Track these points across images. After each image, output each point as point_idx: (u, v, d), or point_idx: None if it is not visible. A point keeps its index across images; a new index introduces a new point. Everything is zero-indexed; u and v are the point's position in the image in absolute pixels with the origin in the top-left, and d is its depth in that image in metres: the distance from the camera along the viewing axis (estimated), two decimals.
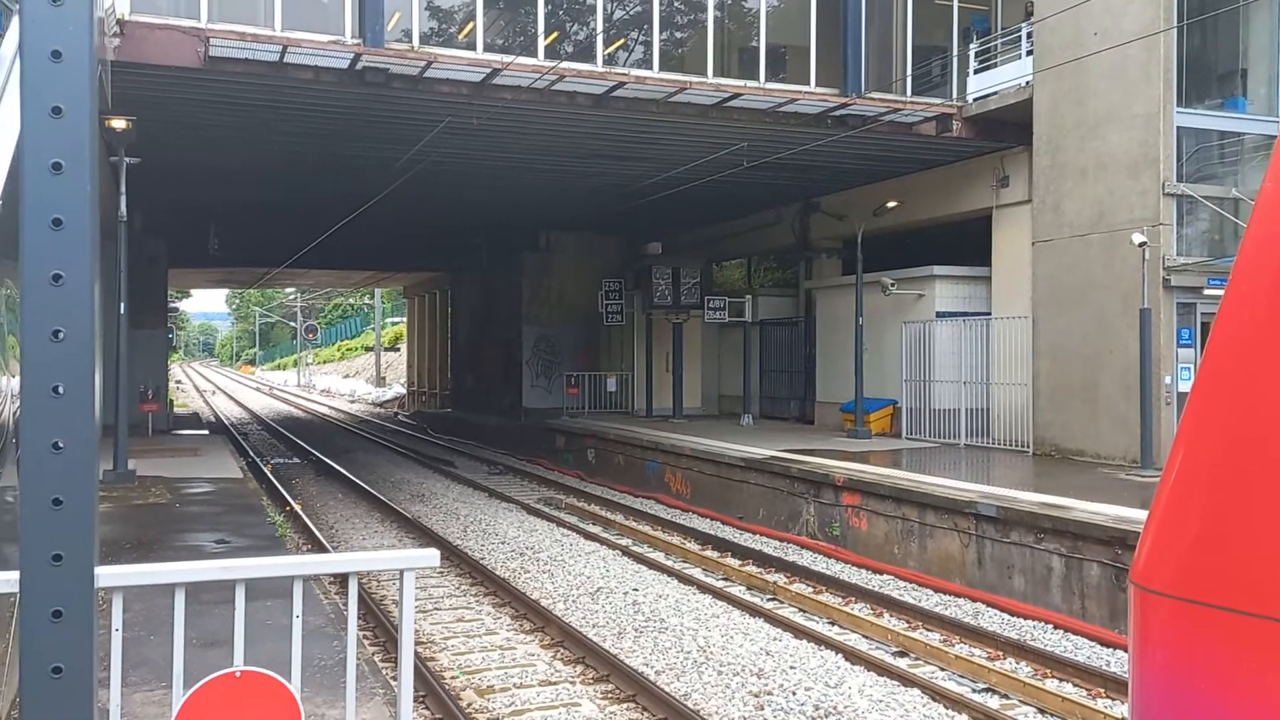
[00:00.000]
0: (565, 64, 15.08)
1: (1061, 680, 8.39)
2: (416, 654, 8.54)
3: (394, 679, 6.23)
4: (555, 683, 8.37)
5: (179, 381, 70.33)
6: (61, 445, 2.06)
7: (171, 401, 32.26)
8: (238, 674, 2.64)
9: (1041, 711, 7.83)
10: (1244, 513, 1.47)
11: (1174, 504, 1.58)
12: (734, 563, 12.98)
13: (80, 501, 2.09)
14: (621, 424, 23.51)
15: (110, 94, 13.17)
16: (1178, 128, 14.98)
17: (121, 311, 14.62)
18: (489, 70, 14.48)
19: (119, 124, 13.58)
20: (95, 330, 2.17)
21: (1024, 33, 17.21)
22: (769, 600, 11.23)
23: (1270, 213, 1.53)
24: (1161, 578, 1.57)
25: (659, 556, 13.47)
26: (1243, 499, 1.48)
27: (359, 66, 13.95)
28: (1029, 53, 16.98)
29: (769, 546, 14.10)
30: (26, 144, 2.06)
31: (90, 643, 2.11)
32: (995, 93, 17.36)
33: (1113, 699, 7.85)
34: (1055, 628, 10.07)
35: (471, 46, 15.02)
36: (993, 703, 7.93)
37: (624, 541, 14.49)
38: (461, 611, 10.69)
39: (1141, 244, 14.02)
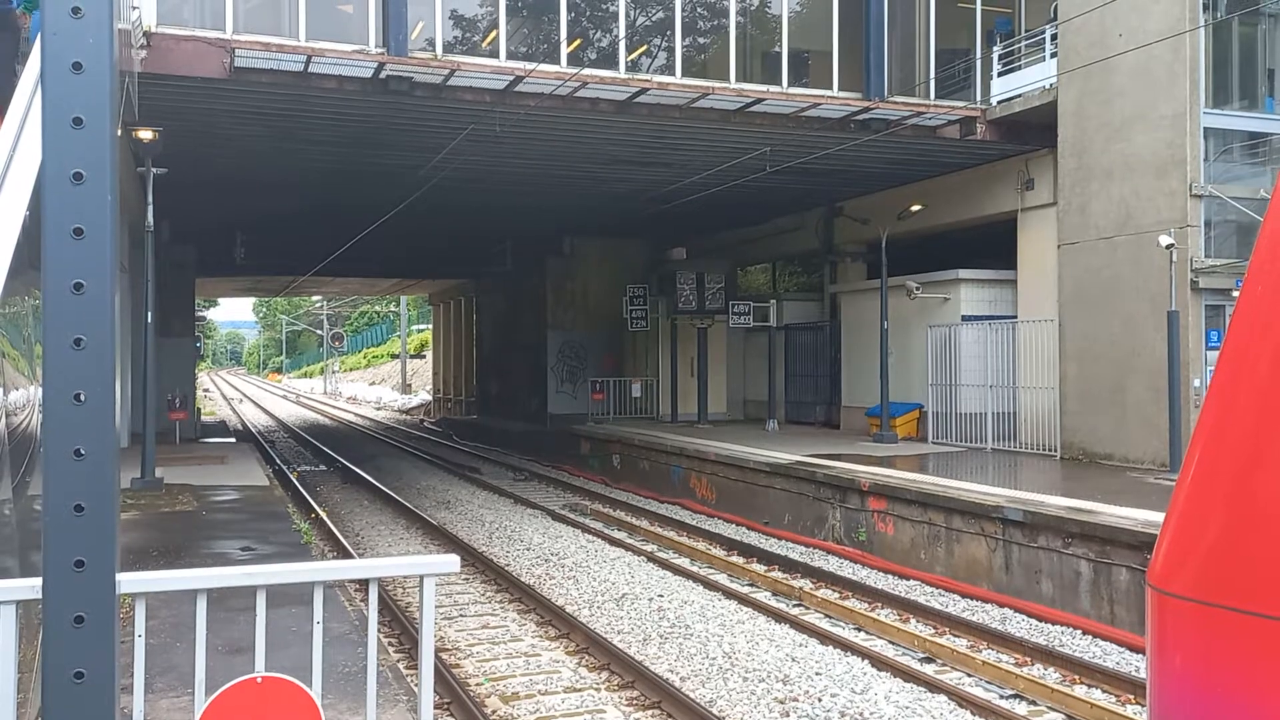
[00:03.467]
0: (588, 71, 15.13)
1: (1090, 686, 8.29)
2: (441, 660, 8.57)
3: (417, 685, 6.23)
4: (580, 689, 8.36)
5: (206, 390, 71.10)
6: (83, 452, 2.08)
7: (199, 410, 32.60)
8: (259, 680, 2.66)
9: (1070, 718, 7.74)
10: (1264, 514, 1.44)
11: (1191, 506, 1.56)
12: (759, 568, 12.93)
13: (102, 508, 2.11)
14: (646, 429, 23.50)
15: (137, 105, 13.35)
16: (1205, 128, 14.82)
17: (149, 320, 14.78)
18: (512, 78, 14.54)
19: (146, 134, 13.75)
20: (116, 338, 2.19)
21: (1048, 34, 17.08)
22: (795, 606, 11.17)
23: None
24: (1180, 581, 1.54)
25: (684, 562, 13.44)
26: (1263, 500, 1.45)
27: (383, 75, 14.06)
28: (1053, 55, 16.86)
29: (794, 552, 14.04)
30: (48, 154, 2.09)
31: (112, 648, 2.13)
32: (1019, 95, 17.23)
33: (1142, 705, 7.74)
34: (1084, 633, 9.95)
35: (494, 55, 15.10)
36: (1020, 709, 7.85)
37: (649, 547, 14.48)
38: (486, 618, 10.71)
39: (1169, 246, 13.86)
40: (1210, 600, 1.48)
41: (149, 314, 14.73)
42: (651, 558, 13.61)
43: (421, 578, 2.85)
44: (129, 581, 2.53)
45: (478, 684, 8.51)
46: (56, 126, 2.07)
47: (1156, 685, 1.60)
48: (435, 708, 7.57)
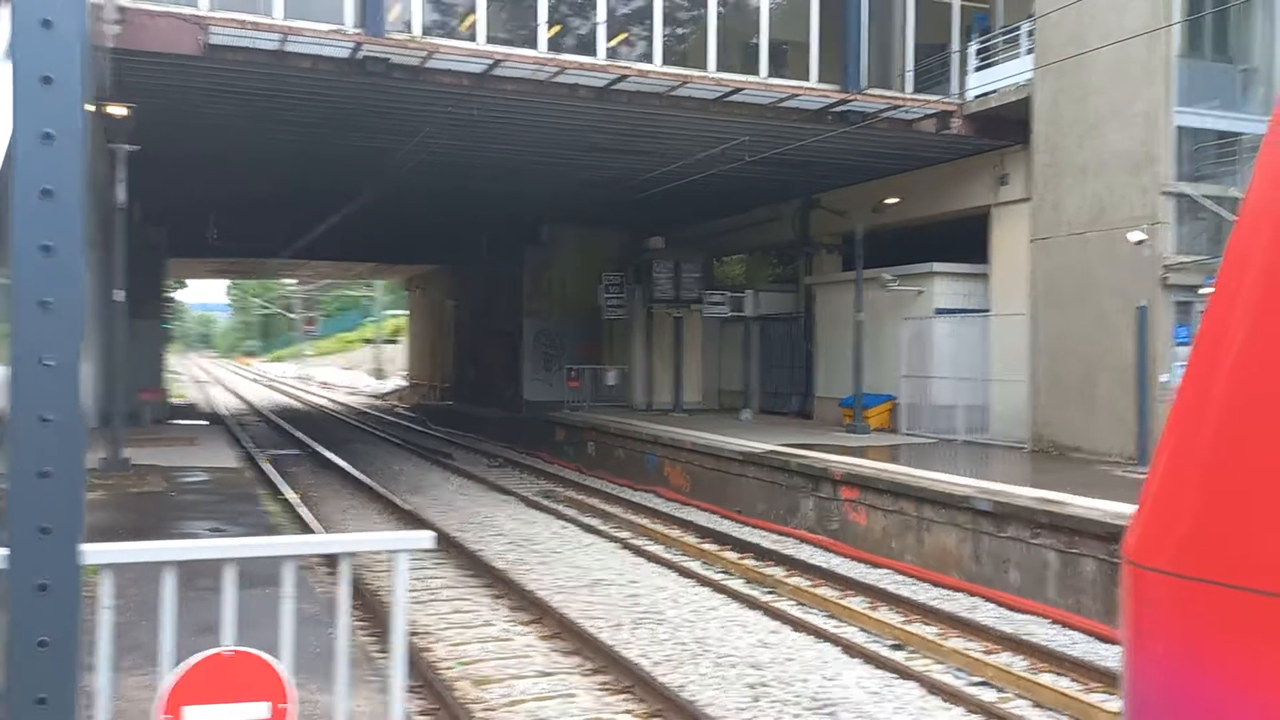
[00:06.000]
0: (567, 56, 15.06)
1: (1058, 674, 8.39)
2: (412, 644, 8.53)
3: (388, 666, 6.20)
4: (552, 674, 8.36)
5: (177, 372, 70.32)
6: (50, 418, 2.05)
7: (169, 392, 32.25)
8: (228, 653, 2.63)
9: (1037, 705, 7.82)
10: (1242, 487, 1.46)
11: (1172, 476, 1.57)
12: (732, 556, 12.98)
13: (68, 475, 2.08)
14: (621, 417, 23.50)
15: (109, 81, 13.14)
16: (1177, 126, 14.97)
17: (120, 300, 14.58)
18: (490, 62, 14.45)
19: (118, 111, 13.55)
20: (85, 302, 2.15)
21: (1024, 30, 17.18)
22: (767, 593, 11.23)
23: (1265, 183, 1.56)
24: (1159, 554, 1.55)
25: (658, 549, 13.47)
26: (1241, 472, 1.47)
27: (359, 56, 13.92)
28: (1029, 51, 16.95)
29: (767, 540, 14.10)
30: (17, 114, 2.05)
31: (76, 616, 2.10)
32: (995, 90, 17.33)
33: (1108, 693, 7.84)
34: (1051, 622, 10.07)
35: (473, 38, 14.98)
36: (988, 696, 7.93)
37: (623, 534, 14.49)
38: (458, 603, 10.68)
39: (1140, 242, 14.01)
40: (1192, 574, 1.49)
41: (120, 293, 14.53)
42: (625, 544, 13.63)
43: (395, 553, 2.84)
44: (95, 552, 2.49)
45: (449, 667, 8.49)
46: (25, 85, 2.02)
47: (1132, 658, 1.61)
48: (406, 691, 7.56)
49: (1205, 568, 1.47)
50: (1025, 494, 11.84)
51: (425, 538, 2.86)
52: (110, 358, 15.00)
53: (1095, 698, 7.76)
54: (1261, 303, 1.50)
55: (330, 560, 9.41)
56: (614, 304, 27.12)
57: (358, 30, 14.04)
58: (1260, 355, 1.47)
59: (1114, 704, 7.60)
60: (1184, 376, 1.62)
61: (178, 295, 71.78)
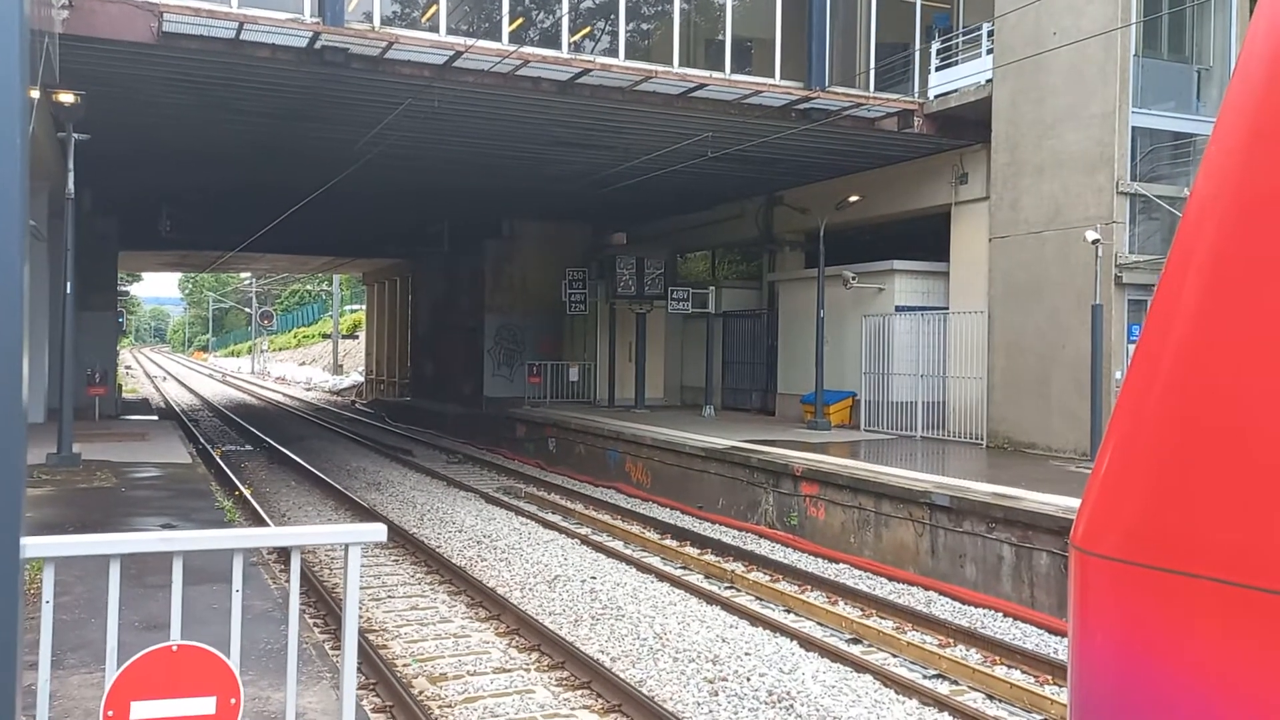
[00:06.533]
0: (529, 49, 14.96)
1: (1010, 667, 8.50)
2: (367, 641, 8.45)
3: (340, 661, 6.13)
4: (510, 670, 8.32)
5: (129, 367, 69.11)
6: None
7: (120, 387, 31.68)
8: (174, 648, 2.58)
9: (990, 697, 7.92)
10: (1186, 474, 1.47)
11: (1118, 464, 1.58)
12: (693, 551, 13.00)
13: (7, 464, 2.01)
14: (583, 413, 23.45)
15: (58, 68, 12.84)
16: (1133, 127, 15.22)
17: (68, 292, 14.27)
18: (451, 53, 14.32)
19: (67, 98, 13.23)
20: (24, 291, 2.08)
21: (985, 31, 17.37)
22: (726, 588, 11.26)
23: (1208, 183, 1.60)
24: (1105, 541, 1.57)
25: (618, 545, 13.45)
26: (1184, 460, 1.48)
27: (318, 45, 13.73)
28: (990, 51, 17.15)
29: (728, 535, 14.14)
30: None
31: (15, 611, 2.03)
32: (956, 90, 17.51)
33: (1060, 685, 7.96)
34: (1005, 615, 10.20)
35: (434, 29, 14.84)
36: (942, 688, 8.01)
37: (583, 530, 14.46)
38: (416, 599, 10.60)
39: (1095, 241, 14.22)
40: (1137, 560, 1.51)
41: (68, 284, 14.22)
42: (585, 540, 13.60)
43: (347, 546, 2.79)
44: (36, 545, 2.43)
45: (405, 665, 8.41)
46: None
47: (1078, 643, 1.63)
48: (360, 688, 7.47)
49: (1150, 554, 1.49)
50: (981, 489, 11.98)
51: (377, 531, 2.82)
52: (59, 351, 14.67)
53: (1049, 690, 7.87)
54: (1203, 297, 1.54)
55: (285, 556, 9.29)
56: (577, 300, 27.06)
57: (316, 19, 13.84)
58: (1202, 348, 1.51)
59: (1066, 696, 7.71)
60: (1129, 368, 1.64)
61: (131, 289, 70.52)
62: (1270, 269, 1.47)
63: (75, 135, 14.09)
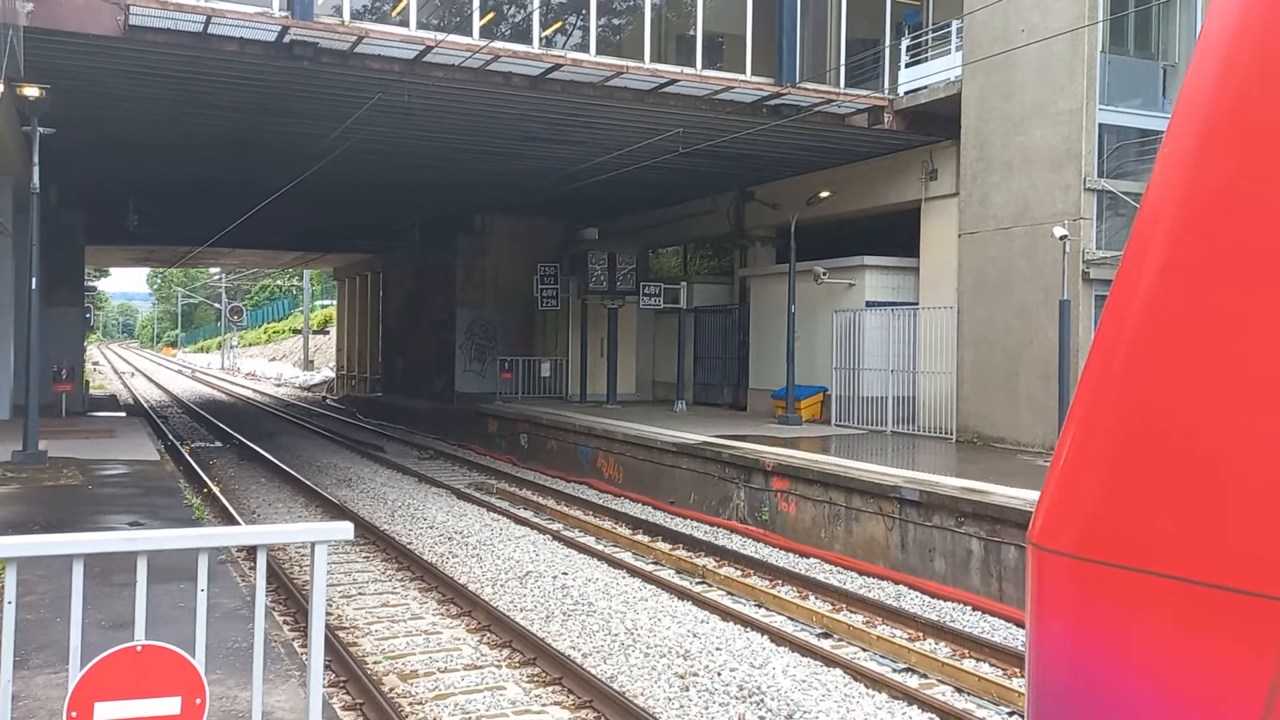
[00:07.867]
0: (500, 43, 14.91)
1: (979, 660, 8.60)
2: (337, 638, 8.41)
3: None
4: (481, 666, 8.31)
5: (96, 363, 68.23)
6: None
7: (88, 383, 31.29)
8: (139, 648, 2.56)
9: (959, 690, 8.01)
10: (1147, 469, 1.50)
11: (1075, 460, 1.61)
12: (664, 547, 13.04)
13: None
14: (555, 409, 23.43)
15: (23, 61, 12.65)
16: (1100, 124, 15.39)
17: (33, 287, 14.08)
18: (422, 47, 14.24)
19: (32, 92, 13.04)
20: None
21: (955, 27, 17.50)
22: (698, 584, 11.30)
23: (1162, 181, 1.62)
24: (1062, 537, 1.60)
25: (590, 541, 13.46)
26: (1140, 458, 1.51)
27: (287, 40, 13.61)
28: (959, 48, 17.28)
29: (699, 531, 14.19)
30: None
31: None
32: (926, 87, 17.63)
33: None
34: (974, 609, 10.31)
35: (405, 24, 14.74)
36: (912, 682, 8.09)
37: (555, 526, 14.45)
38: (386, 596, 10.56)
39: (1062, 237, 14.37)
40: (1093, 557, 1.53)
41: (33, 280, 14.02)
42: (557, 536, 13.60)
43: (313, 544, 2.79)
44: None
45: (376, 662, 8.39)
46: None
47: (1035, 639, 1.65)
48: (330, 685, 7.44)
49: (1105, 550, 1.52)
50: (950, 484, 12.09)
51: (344, 529, 2.82)
52: (24, 347, 14.46)
53: (1016, 683, 7.97)
54: (1156, 294, 1.56)
55: (254, 554, 9.23)
56: (549, 295, 27.01)
57: (285, 13, 13.71)
58: (1155, 345, 1.54)
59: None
60: (1087, 364, 1.67)
61: (99, 284, 69.57)
62: (1221, 265, 1.50)
63: (40, 129, 13.90)
